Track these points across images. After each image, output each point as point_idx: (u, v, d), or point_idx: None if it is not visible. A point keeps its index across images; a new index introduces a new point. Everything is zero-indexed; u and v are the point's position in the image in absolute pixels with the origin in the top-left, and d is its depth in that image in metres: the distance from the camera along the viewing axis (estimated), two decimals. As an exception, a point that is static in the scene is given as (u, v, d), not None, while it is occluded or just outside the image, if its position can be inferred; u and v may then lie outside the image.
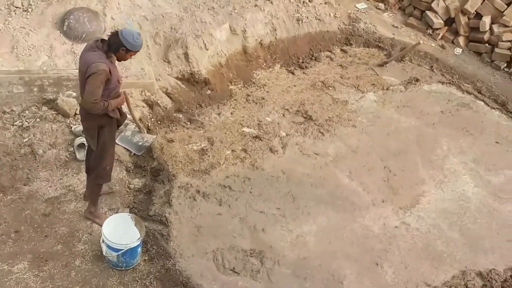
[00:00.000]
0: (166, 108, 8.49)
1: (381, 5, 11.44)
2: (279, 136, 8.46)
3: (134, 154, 7.85)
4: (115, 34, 5.93)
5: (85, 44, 6.21)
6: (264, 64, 9.78)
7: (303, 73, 9.82)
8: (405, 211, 7.72)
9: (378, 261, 7.05)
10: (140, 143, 7.89)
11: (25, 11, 8.54)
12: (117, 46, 5.92)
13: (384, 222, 7.53)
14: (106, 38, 6.03)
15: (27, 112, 7.98)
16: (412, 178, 8.21)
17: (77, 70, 6.24)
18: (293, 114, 8.90)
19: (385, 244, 7.26)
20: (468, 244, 7.42)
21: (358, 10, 11.09)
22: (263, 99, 9.10)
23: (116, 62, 6.11)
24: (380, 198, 7.84)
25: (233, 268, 6.72)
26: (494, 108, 9.69)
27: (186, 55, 8.89)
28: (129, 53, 6.03)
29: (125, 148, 7.85)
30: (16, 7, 8.55)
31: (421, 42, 10.46)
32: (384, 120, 9.08)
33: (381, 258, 7.09)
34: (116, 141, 7.71)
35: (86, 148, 6.83)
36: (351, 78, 9.79)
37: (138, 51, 6.08)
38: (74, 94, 7.90)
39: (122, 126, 7.34)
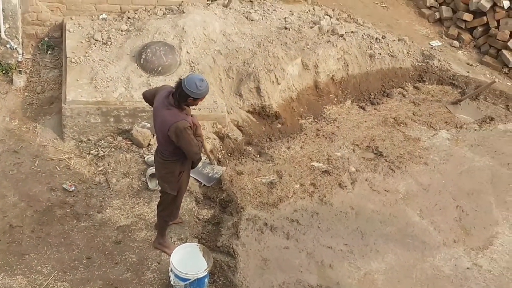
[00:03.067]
0: (236, 140, 8.58)
1: (456, 43, 11.30)
2: (348, 171, 8.40)
3: (204, 185, 7.95)
4: (179, 86, 5.87)
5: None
6: (335, 99, 9.77)
7: (375, 109, 9.75)
8: (478, 252, 7.49)
9: (448, 303, 6.87)
10: (210, 175, 7.99)
11: (105, 44, 8.87)
12: (184, 98, 5.89)
13: (456, 263, 7.33)
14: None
15: (103, 141, 8.23)
16: (486, 218, 7.97)
17: None
18: (363, 149, 8.83)
19: (456, 286, 7.05)
20: (544, 289, 7.14)
21: (432, 47, 10.98)
22: (333, 134, 9.08)
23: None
24: (451, 238, 7.64)
25: (299, 303, 6.66)
26: None
27: (258, 89, 8.99)
28: (197, 100, 5.98)
29: (195, 179, 7.96)
30: (96, 40, 8.89)
31: (496, 80, 10.23)
32: (457, 158, 8.87)
33: (451, 300, 6.91)
34: (187, 172, 7.84)
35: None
36: (424, 115, 9.66)
37: (205, 95, 6.02)
38: (148, 125, 8.11)
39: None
